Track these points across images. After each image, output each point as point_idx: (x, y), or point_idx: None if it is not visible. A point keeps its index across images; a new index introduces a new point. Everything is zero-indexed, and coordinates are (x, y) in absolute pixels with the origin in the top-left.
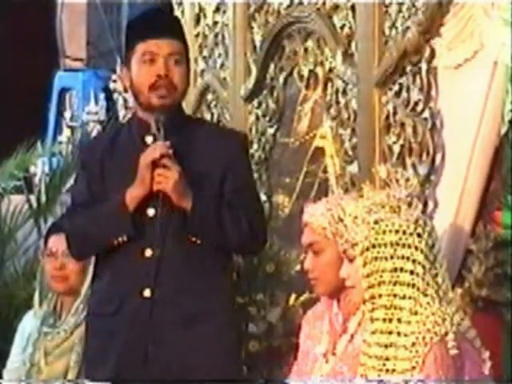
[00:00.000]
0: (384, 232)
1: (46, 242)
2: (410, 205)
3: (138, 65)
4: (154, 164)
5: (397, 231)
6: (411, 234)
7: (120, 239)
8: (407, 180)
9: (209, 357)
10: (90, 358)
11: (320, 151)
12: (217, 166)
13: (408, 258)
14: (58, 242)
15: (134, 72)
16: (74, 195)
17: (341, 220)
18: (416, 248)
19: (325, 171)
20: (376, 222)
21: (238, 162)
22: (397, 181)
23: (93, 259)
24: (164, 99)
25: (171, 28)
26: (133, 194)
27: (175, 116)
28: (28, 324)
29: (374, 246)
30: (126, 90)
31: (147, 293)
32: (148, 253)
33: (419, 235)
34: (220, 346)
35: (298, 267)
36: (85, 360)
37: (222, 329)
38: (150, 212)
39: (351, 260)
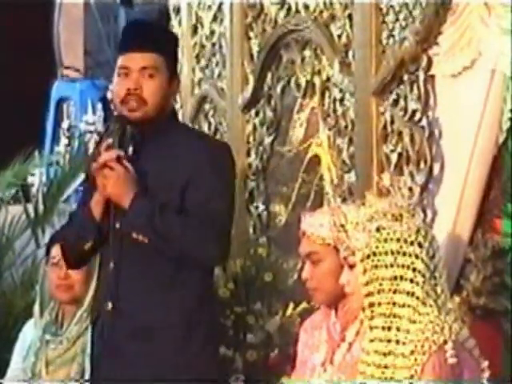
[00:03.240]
0: (385, 240)
1: (48, 251)
2: (411, 214)
3: (116, 77)
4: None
5: (398, 239)
6: (412, 243)
7: (88, 244)
8: (409, 189)
9: (166, 371)
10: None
11: (316, 160)
12: (180, 176)
13: (408, 267)
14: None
15: (113, 84)
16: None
17: (342, 226)
18: (417, 257)
19: (321, 180)
20: (377, 230)
21: (199, 172)
22: (399, 189)
23: (97, 268)
24: (133, 112)
25: (149, 41)
26: (95, 199)
27: (155, 125)
28: (29, 333)
29: (374, 254)
30: None
31: (109, 305)
32: (111, 265)
33: (420, 244)
34: (176, 361)
35: (295, 276)
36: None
37: (179, 343)
38: (117, 225)
39: (351, 267)
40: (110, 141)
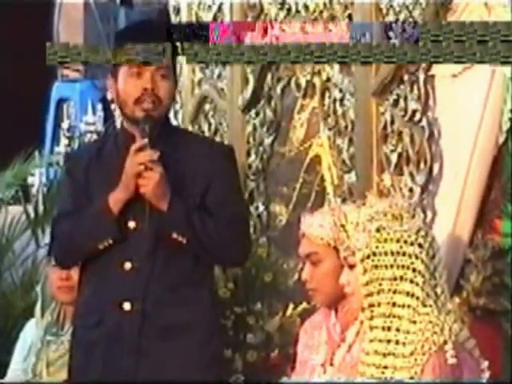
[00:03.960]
0: (385, 240)
1: (50, 252)
2: (412, 214)
3: (125, 77)
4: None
5: (398, 240)
6: (412, 244)
7: (106, 243)
8: (410, 189)
9: (190, 369)
10: (73, 369)
11: (317, 161)
12: (199, 178)
13: (408, 267)
14: None
15: (121, 84)
16: (59, 204)
17: (343, 226)
18: (416, 257)
19: (321, 180)
20: (377, 230)
21: (221, 174)
22: (399, 189)
23: None
24: (148, 112)
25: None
26: (116, 197)
27: (161, 127)
28: (30, 333)
29: (374, 254)
30: None
31: (127, 306)
32: (127, 266)
33: (420, 245)
34: (201, 358)
35: (295, 277)
36: (68, 370)
37: (203, 340)
38: (131, 224)
39: (351, 267)
40: (145, 141)
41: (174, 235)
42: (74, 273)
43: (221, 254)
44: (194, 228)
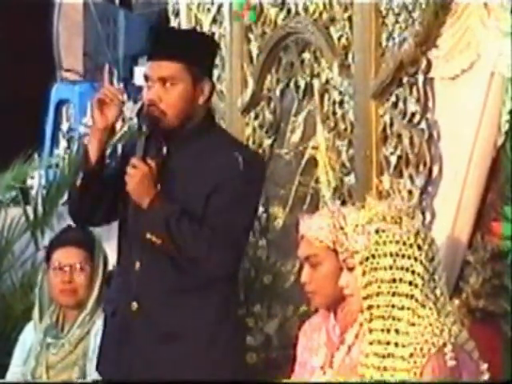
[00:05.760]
0: (384, 242)
1: (48, 256)
2: (411, 216)
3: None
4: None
5: (397, 242)
6: (411, 246)
7: (78, 181)
8: (409, 191)
9: (191, 373)
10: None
11: (313, 162)
12: (207, 183)
13: (407, 269)
14: (63, 256)
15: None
16: None
17: (342, 228)
18: (416, 259)
19: (317, 183)
20: (377, 232)
21: (228, 182)
22: (399, 191)
23: (100, 272)
24: (154, 125)
25: (165, 48)
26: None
27: (178, 133)
28: (29, 336)
29: (373, 256)
30: (122, 103)
31: (134, 306)
32: (137, 266)
33: (419, 247)
34: (203, 363)
35: (294, 279)
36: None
37: (205, 345)
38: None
39: (351, 269)
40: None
41: (148, 235)
42: (77, 276)
43: (199, 263)
44: (169, 231)
